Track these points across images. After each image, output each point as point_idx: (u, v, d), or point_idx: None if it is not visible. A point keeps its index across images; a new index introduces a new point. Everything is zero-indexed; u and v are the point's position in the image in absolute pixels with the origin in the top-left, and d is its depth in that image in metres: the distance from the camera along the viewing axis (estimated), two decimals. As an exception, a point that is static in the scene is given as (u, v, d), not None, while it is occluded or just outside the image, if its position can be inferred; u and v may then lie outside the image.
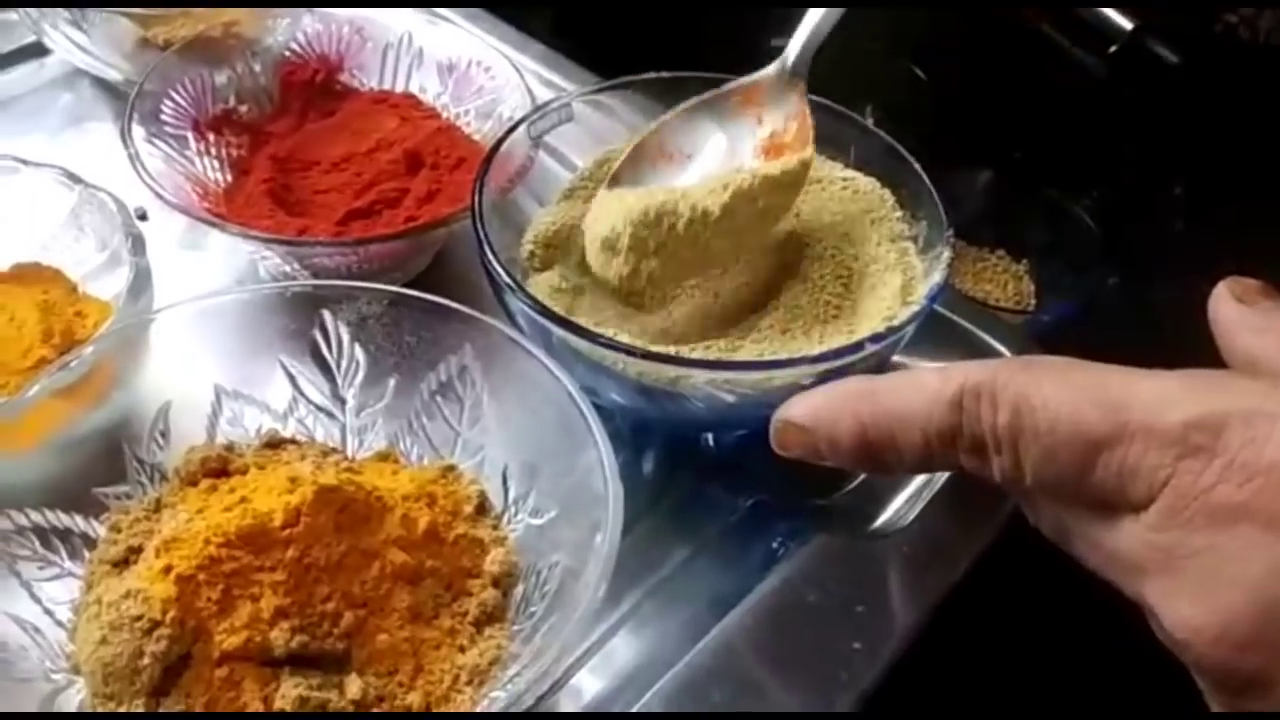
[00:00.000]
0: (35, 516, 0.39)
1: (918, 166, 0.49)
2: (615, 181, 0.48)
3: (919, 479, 0.49)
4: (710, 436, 0.51)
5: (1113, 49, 0.82)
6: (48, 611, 0.38)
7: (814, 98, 0.49)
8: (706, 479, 0.50)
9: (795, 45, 0.49)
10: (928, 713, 0.47)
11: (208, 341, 0.44)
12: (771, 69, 0.49)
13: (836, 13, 0.48)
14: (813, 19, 0.48)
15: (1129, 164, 0.87)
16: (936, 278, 0.44)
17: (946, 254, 0.44)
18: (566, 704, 0.42)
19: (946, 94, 0.90)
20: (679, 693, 0.41)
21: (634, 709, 0.40)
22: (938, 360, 0.53)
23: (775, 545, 0.47)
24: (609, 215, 0.47)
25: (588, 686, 0.42)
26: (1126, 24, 0.81)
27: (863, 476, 0.50)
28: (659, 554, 0.46)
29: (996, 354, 0.53)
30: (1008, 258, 0.94)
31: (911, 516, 0.47)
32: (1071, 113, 0.87)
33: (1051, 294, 0.90)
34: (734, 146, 0.49)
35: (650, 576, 0.46)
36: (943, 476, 0.49)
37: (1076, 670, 0.52)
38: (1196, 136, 0.79)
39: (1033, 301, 0.90)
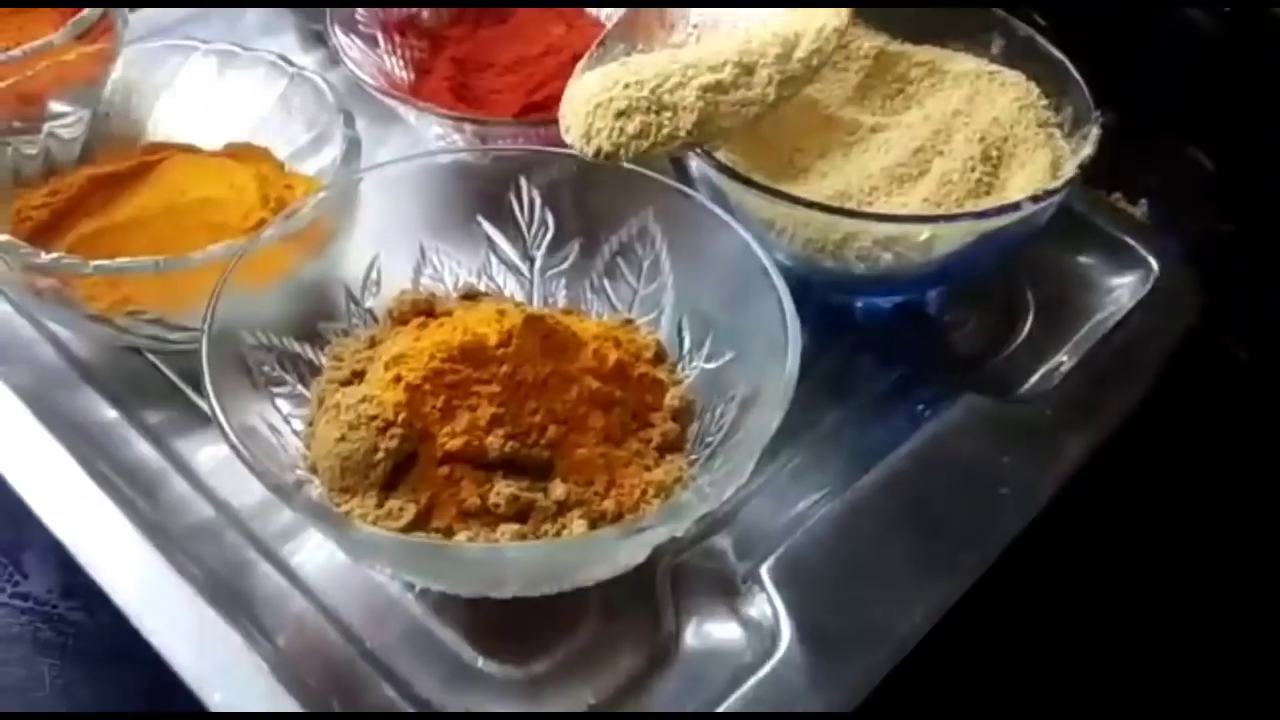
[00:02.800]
0: (273, 339, 0.44)
1: (1062, 57, 0.52)
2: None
3: (1062, 352, 0.52)
4: (860, 311, 0.54)
5: (1228, 7, 0.83)
6: (286, 420, 0.43)
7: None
8: (858, 351, 0.53)
9: None
10: (1065, 570, 0.50)
11: (412, 201, 0.48)
12: None
13: None
14: None
15: (1246, 116, 0.88)
16: (1088, 149, 0.47)
17: (1095, 131, 0.48)
18: (733, 528, 0.45)
19: (1065, 39, 0.92)
20: (838, 521, 0.44)
21: (798, 533, 0.44)
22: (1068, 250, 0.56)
23: (923, 408, 0.50)
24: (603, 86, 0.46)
25: (754, 518, 0.46)
26: (1243, -18, 0.82)
27: (1008, 350, 0.53)
28: (813, 415, 0.50)
29: (1128, 248, 0.56)
30: (1124, 200, 0.95)
31: (1052, 385, 0.51)
32: (1188, 67, 0.88)
33: (1166, 235, 0.92)
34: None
35: (807, 434, 0.49)
36: (1078, 354, 0.52)
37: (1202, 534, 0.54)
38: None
39: (1150, 241, 0.91)
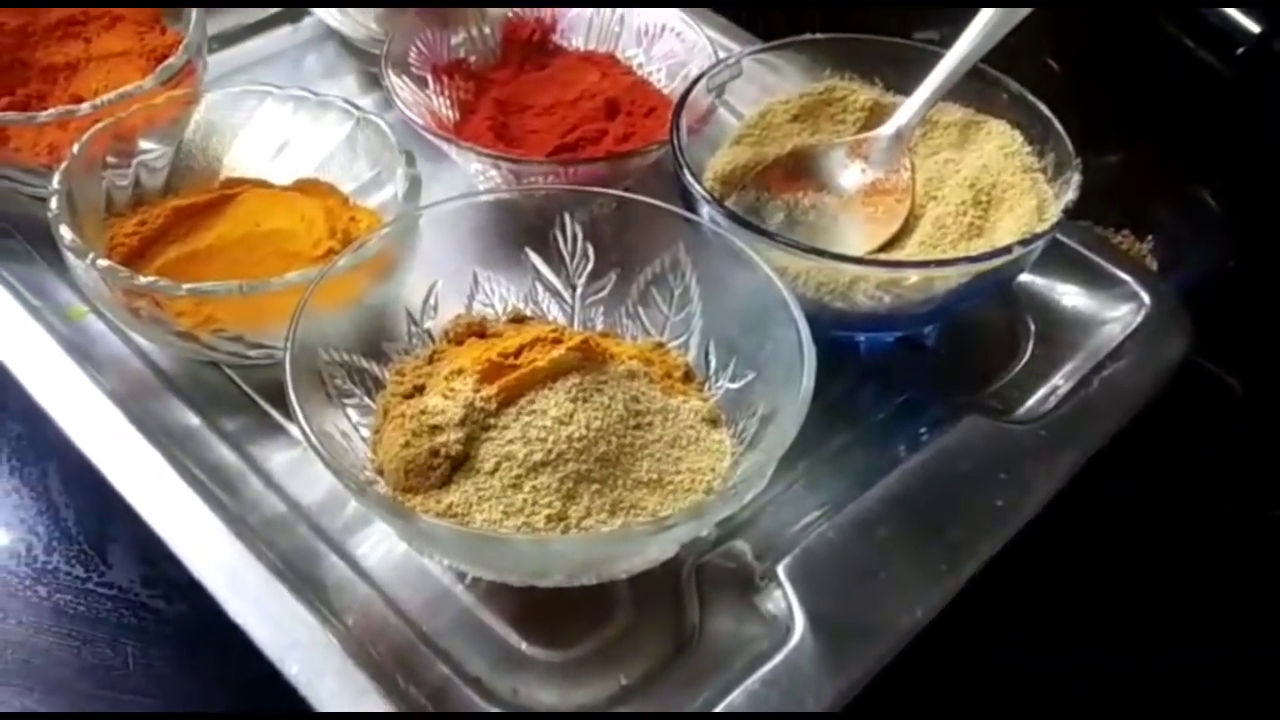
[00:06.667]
0: (344, 356, 0.49)
1: (1044, 107, 0.57)
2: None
3: (1056, 378, 0.57)
4: (863, 347, 0.59)
5: (1240, 51, 0.87)
6: (355, 427, 0.48)
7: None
8: (861, 382, 0.58)
9: (906, 114, 0.57)
10: (1060, 569, 0.54)
11: (467, 234, 0.54)
12: (886, 130, 0.58)
13: (949, 82, 0.56)
14: (926, 91, 0.57)
15: (1256, 160, 0.92)
16: (1070, 195, 0.52)
17: (1076, 177, 0.53)
18: (752, 533, 0.50)
19: (1077, 85, 0.97)
20: (847, 527, 0.49)
21: (811, 537, 0.49)
22: (1066, 285, 0.61)
23: (924, 430, 0.55)
24: None
25: (779, 519, 0.51)
26: (1254, 27, 0.86)
27: (1006, 379, 0.58)
28: (824, 436, 0.54)
29: (1121, 282, 0.61)
30: (1131, 237, 0.99)
31: (1046, 409, 0.55)
32: (1199, 109, 0.92)
33: (1172, 272, 0.96)
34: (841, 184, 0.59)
35: (818, 451, 0.54)
36: (1072, 380, 0.57)
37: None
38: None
39: (1155, 279, 0.95)
